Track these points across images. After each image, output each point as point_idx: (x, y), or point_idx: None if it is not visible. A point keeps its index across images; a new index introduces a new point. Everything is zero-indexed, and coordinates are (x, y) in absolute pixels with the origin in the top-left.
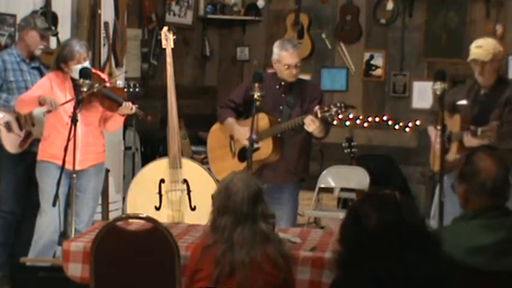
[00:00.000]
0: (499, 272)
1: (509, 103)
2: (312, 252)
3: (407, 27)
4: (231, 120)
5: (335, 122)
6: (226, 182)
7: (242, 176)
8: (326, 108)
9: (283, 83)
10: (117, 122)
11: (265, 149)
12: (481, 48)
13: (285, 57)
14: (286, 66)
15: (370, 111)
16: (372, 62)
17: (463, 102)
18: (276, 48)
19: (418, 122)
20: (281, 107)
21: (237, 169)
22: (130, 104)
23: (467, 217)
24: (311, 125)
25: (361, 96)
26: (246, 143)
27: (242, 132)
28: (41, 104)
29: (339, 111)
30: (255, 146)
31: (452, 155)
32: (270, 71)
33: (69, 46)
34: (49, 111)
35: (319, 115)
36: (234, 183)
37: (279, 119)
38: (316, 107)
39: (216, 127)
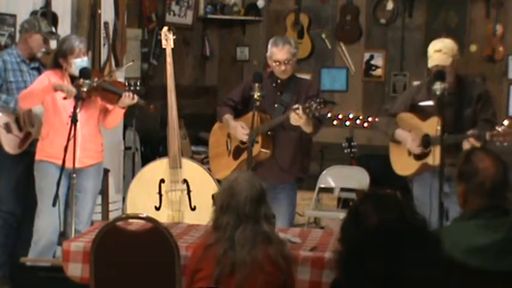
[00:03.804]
0: (498, 272)
1: (480, 100)
2: (312, 252)
3: (407, 27)
4: (227, 116)
5: (335, 122)
6: (230, 180)
7: (247, 176)
8: (307, 105)
9: (279, 81)
10: (117, 115)
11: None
12: (441, 52)
13: (274, 53)
14: (276, 63)
15: (370, 111)
16: (372, 62)
17: (429, 103)
18: (269, 44)
19: (369, 118)
20: (276, 105)
21: (231, 167)
22: (130, 93)
23: (466, 217)
24: (297, 118)
25: (361, 96)
26: (241, 137)
27: (237, 126)
28: (55, 90)
29: (319, 107)
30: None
31: (436, 159)
32: (269, 70)
33: (68, 41)
34: (65, 98)
35: (300, 111)
36: (238, 182)
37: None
38: (296, 105)
39: (216, 126)
